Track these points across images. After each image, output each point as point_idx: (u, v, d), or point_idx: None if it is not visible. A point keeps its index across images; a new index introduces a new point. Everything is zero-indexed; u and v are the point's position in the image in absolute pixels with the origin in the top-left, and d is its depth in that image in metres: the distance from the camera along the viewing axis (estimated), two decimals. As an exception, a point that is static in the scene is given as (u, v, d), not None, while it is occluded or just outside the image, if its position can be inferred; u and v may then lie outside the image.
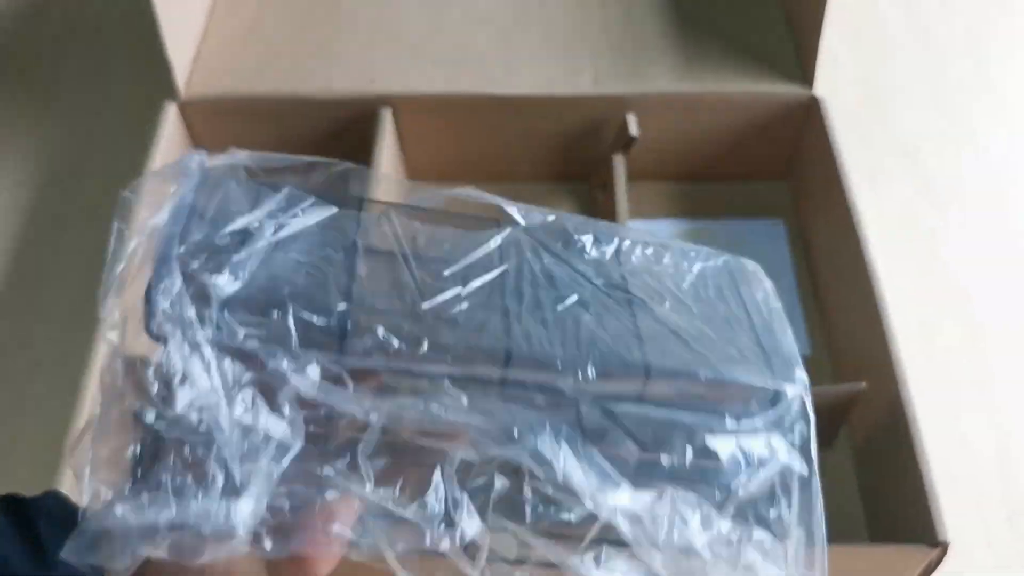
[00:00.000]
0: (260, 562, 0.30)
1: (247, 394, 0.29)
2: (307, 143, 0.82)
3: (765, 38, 0.81)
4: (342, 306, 0.30)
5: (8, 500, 0.32)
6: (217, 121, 0.80)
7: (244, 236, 0.31)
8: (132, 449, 0.29)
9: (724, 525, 0.32)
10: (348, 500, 0.30)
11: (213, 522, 0.27)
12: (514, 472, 0.30)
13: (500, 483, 0.30)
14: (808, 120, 0.78)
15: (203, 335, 0.29)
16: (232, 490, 0.27)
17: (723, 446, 0.32)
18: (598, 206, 0.81)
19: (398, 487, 0.30)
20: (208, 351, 0.29)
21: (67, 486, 0.56)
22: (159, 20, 0.72)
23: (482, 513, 0.30)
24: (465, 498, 0.30)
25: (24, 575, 0.29)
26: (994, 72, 0.93)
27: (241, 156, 0.33)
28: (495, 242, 0.34)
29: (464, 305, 0.32)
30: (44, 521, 0.30)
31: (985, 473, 0.68)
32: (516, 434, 0.29)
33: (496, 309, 0.32)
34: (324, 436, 0.30)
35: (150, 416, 0.28)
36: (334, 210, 0.34)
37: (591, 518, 0.30)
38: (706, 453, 0.32)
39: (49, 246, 0.81)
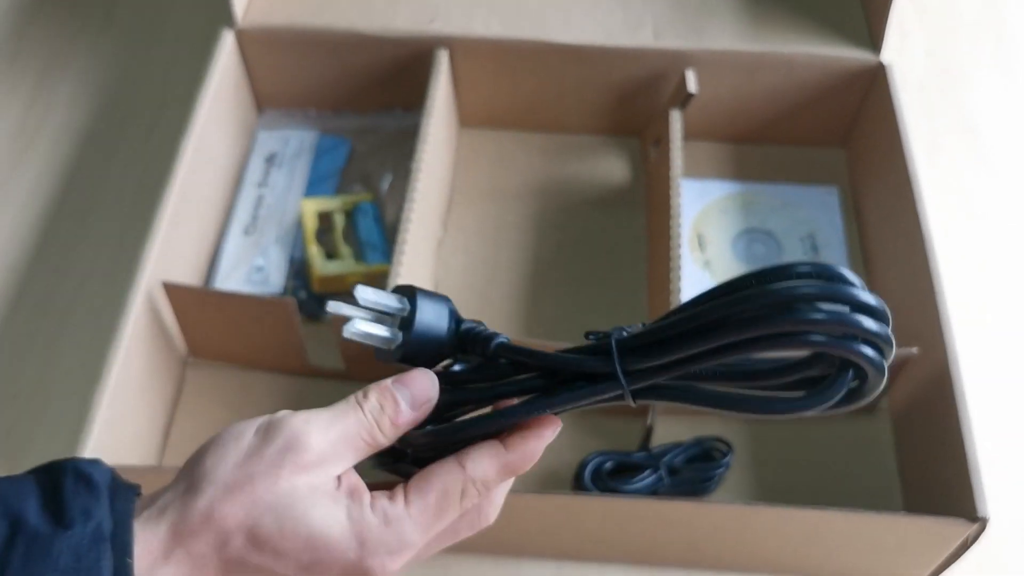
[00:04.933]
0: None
1: None
2: (362, 80, 0.82)
3: (833, 1, 0.79)
4: None
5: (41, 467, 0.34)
6: (273, 52, 0.80)
7: None
8: None
9: None
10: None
11: None
12: None
13: None
14: (872, 87, 0.76)
15: None
16: None
17: None
18: (650, 162, 0.80)
19: None
20: None
21: (91, 448, 0.56)
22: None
23: None
24: None
25: (38, 532, 0.30)
26: (1067, 52, 0.90)
27: None
28: None
29: None
30: (71, 479, 0.32)
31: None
32: None
33: None
34: None
35: None
36: None
37: None
38: None
39: (100, 170, 0.82)
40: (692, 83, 0.74)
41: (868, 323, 0.30)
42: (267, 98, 0.84)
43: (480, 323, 0.37)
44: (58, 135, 0.84)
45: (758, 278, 0.31)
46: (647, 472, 0.62)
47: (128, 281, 0.62)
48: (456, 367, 0.38)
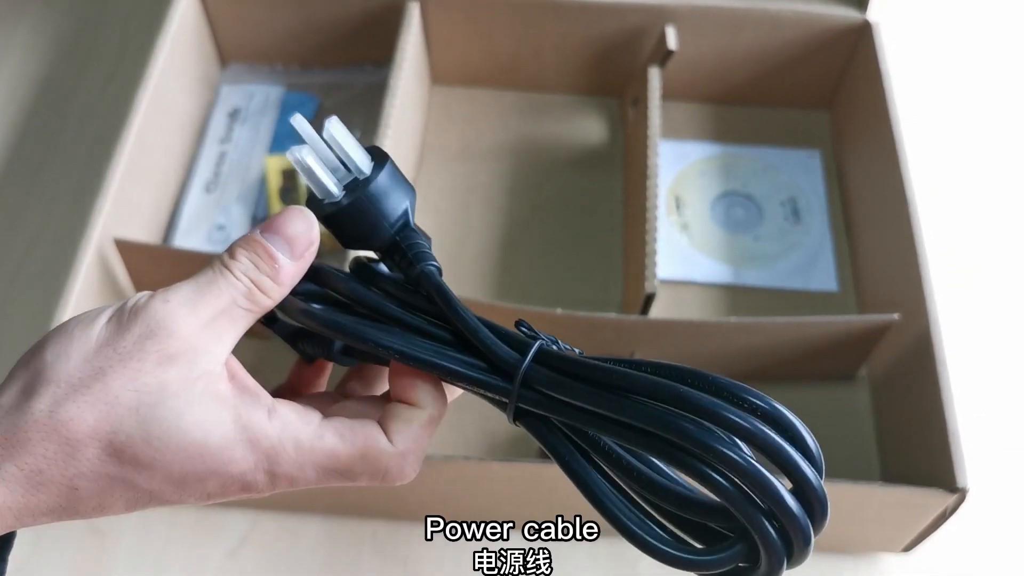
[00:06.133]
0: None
1: None
2: (331, 34, 0.79)
3: (819, -43, 0.76)
4: None
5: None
6: (237, 2, 0.76)
7: None
8: None
9: None
10: None
11: None
12: None
13: None
14: (858, 46, 0.74)
15: None
16: None
17: None
18: (628, 122, 0.77)
19: None
20: None
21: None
22: None
23: None
24: None
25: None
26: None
27: None
28: None
29: None
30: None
31: (1011, 419, 0.65)
32: None
33: None
34: None
35: None
36: None
37: None
38: None
39: (54, 122, 0.79)
40: (672, 40, 0.72)
41: (789, 503, 0.26)
42: (231, 51, 0.81)
43: (427, 239, 0.33)
44: (11, 85, 0.81)
45: (713, 388, 0.27)
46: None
47: (81, 237, 0.59)
48: (380, 266, 0.33)
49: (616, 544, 0.60)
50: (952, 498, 0.52)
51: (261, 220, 0.72)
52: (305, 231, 0.30)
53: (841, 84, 0.77)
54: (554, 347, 0.31)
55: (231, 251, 0.30)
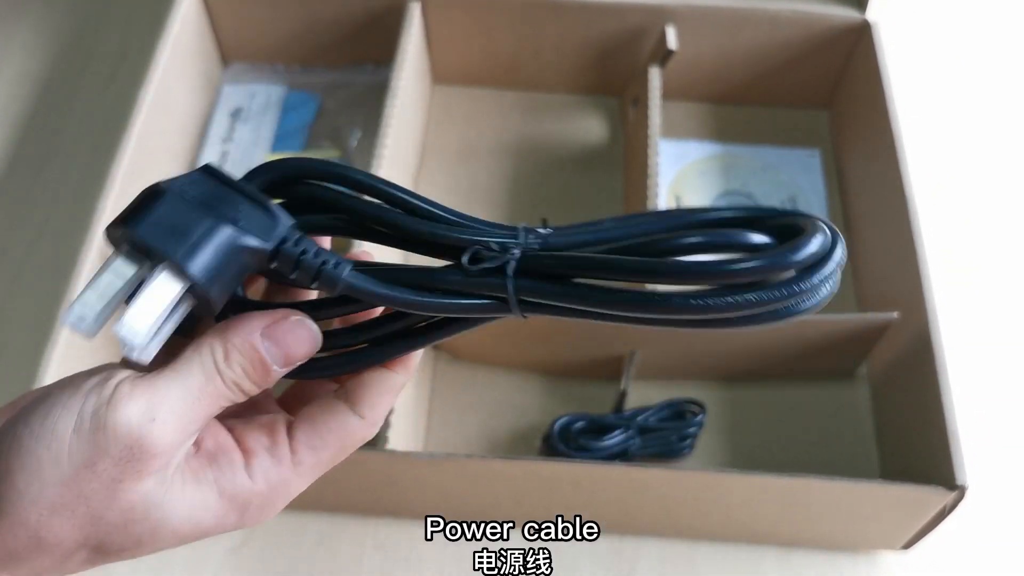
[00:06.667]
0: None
1: None
2: (332, 33, 0.79)
3: (819, -43, 0.77)
4: None
5: None
6: (239, 1, 0.77)
7: None
8: None
9: None
10: None
11: None
12: None
13: None
14: (858, 46, 0.74)
15: None
16: None
17: None
18: (629, 122, 0.78)
19: None
20: None
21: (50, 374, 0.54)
22: None
23: None
24: None
25: None
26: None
27: None
28: None
29: None
30: None
31: (1010, 416, 0.65)
32: None
33: None
34: None
35: None
36: None
37: None
38: None
39: (56, 122, 0.79)
40: (672, 40, 0.72)
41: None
42: (233, 51, 0.81)
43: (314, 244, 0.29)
44: (13, 85, 0.81)
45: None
46: (618, 431, 0.60)
47: (83, 238, 0.59)
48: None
49: (616, 544, 0.61)
50: (951, 495, 0.52)
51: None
52: (305, 348, 0.29)
53: (841, 84, 0.78)
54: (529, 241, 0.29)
55: (226, 352, 0.28)
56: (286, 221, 0.28)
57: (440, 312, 0.29)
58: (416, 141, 0.77)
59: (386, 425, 0.54)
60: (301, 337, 0.29)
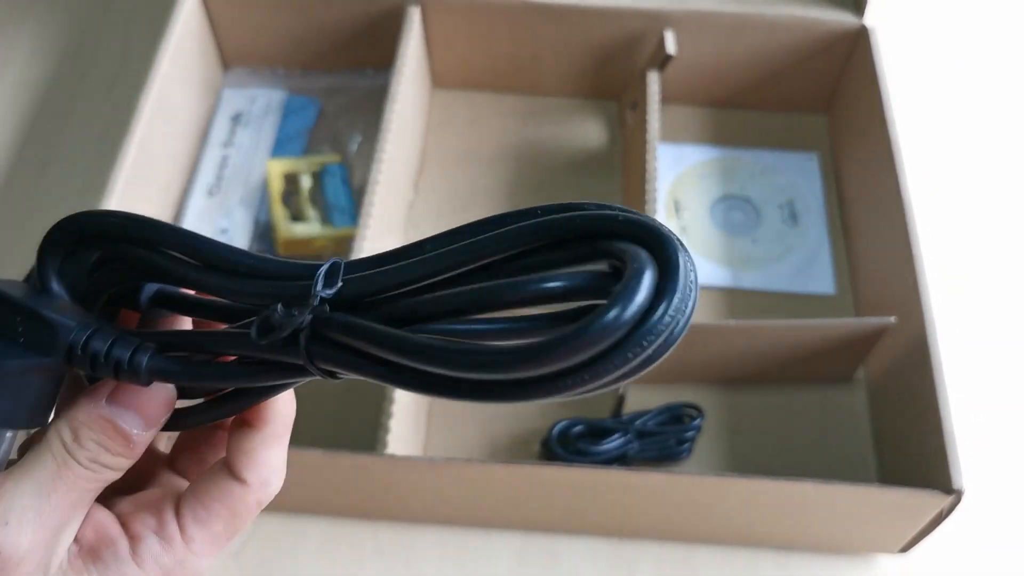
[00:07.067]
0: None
1: None
2: (332, 38, 0.79)
3: (817, -38, 0.77)
4: None
5: None
6: (240, 7, 0.77)
7: None
8: None
9: None
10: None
11: None
12: None
13: None
14: (855, 51, 0.74)
15: None
16: None
17: None
18: (627, 126, 0.78)
19: None
20: None
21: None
22: None
23: None
24: None
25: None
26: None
27: None
28: None
29: None
30: None
31: (1007, 420, 0.66)
32: None
33: None
34: None
35: None
36: None
37: None
38: None
39: (58, 125, 0.79)
40: (671, 44, 0.72)
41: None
42: (234, 56, 0.82)
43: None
44: (14, 89, 0.81)
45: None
46: (616, 435, 0.61)
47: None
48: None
49: (615, 547, 0.61)
50: (948, 499, 0.52)
51: (263, 224, 0.72)
52: (161, 407, 0.26)
53: (838, 88, 0.78)
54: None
55: (74, 432, 0.25)
56: (68, 324, 0.25)
57: (248, 384, 0.26)
58: (416, 145, 0.77)
59: (386, 430, 0.54)
60: (152, 395, 0.26)
